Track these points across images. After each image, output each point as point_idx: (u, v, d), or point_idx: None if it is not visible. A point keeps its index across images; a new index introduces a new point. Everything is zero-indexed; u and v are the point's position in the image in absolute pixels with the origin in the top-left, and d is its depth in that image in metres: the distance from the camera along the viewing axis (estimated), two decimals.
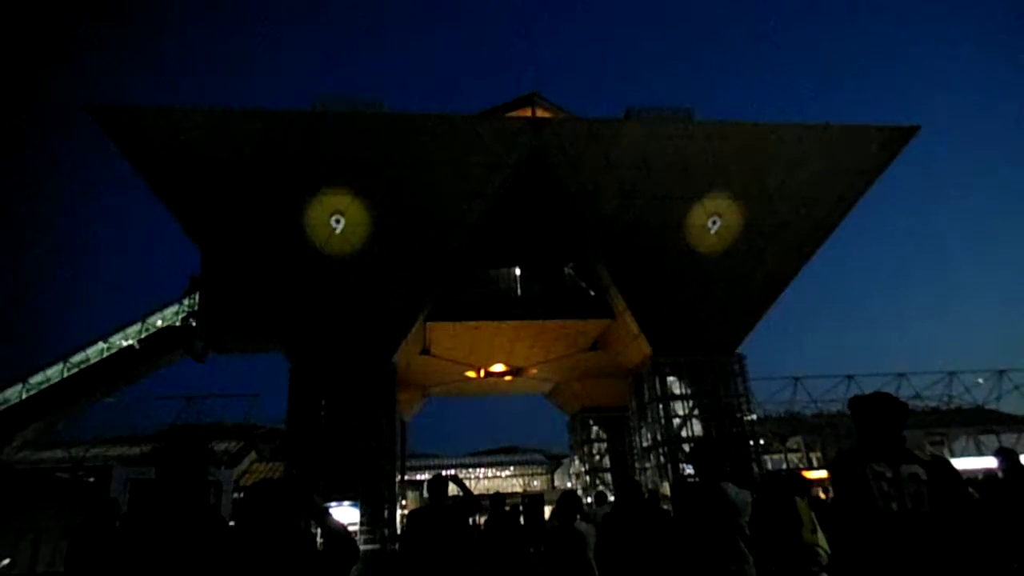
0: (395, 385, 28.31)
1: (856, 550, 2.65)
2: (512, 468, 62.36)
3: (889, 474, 2.60)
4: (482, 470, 61.70)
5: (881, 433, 2.74)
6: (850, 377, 38.86)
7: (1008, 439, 35.10)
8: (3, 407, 31.55)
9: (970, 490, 3.32)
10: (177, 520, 2.24)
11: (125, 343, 32.73)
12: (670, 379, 30.16)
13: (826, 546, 5.87)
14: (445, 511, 5.28)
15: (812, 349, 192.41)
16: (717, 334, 29.48)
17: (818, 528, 6.00)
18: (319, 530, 4.75)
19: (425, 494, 6.11)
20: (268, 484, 2.70)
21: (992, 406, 40.19)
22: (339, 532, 4.88)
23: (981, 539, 2.65)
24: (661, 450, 29.91)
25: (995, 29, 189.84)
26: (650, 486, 28.01)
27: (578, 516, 5.56)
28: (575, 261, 32.40)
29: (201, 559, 2.21)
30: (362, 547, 23.07)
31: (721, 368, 29.97)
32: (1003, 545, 3.26)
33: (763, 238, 28.86)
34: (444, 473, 5.88)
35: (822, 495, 14.33)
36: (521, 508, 8.03)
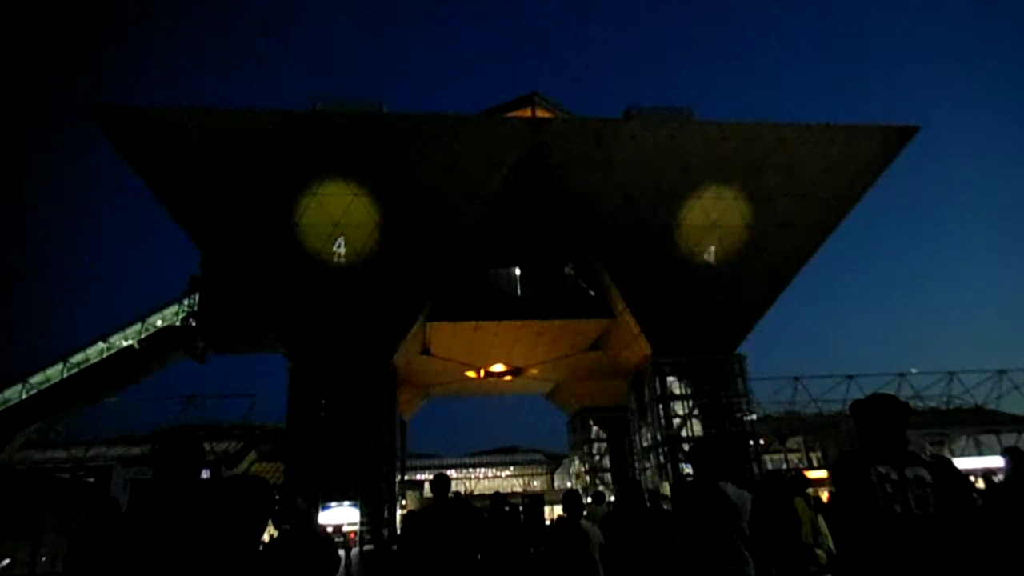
0: (395, 385, 28.32)
1: (859, 553, 2.63)
2: (512, 468, 62.27)
3: (894, 476, 2.57)
4: (482, 470, 61.60)
5: (884, 435, 2.72)
6: (850, 377, 38.85)
7: (1008, 439, 35.05)
8: (3, 407, 31.53)
9: (974, 494, 3.31)
10: (171, 520, 2.23)
11: (125, 343, 32.72)
12: (670, 379, 30.15)
13: (832, 545, 5.86)
14: (446, 509, 5.28)
15: (812, 349, 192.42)
16: (717, 334, 29.45)
17: (821, 528, 6.00)
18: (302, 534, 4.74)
19: (428, 492, 6.12)
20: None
21: (992, 406, 40.18)
22: (321, 538, 4.86)
23: (987, 542, 2.63)
24: (661, 450, 29.90)
25: (996, 28, 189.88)
26: (650, 486, 27.99)
27: (583, 514, 5.56)
28: (575, 261, 32.37)
29: (196, 558, 2.20)
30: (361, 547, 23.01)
31: (721, 368, 29.95)
32: (1009, 548, 3.24)
33: (763, 238, 28.85)
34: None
35: (824, 495, 14.31)
36: (521, 508, 8.02)
